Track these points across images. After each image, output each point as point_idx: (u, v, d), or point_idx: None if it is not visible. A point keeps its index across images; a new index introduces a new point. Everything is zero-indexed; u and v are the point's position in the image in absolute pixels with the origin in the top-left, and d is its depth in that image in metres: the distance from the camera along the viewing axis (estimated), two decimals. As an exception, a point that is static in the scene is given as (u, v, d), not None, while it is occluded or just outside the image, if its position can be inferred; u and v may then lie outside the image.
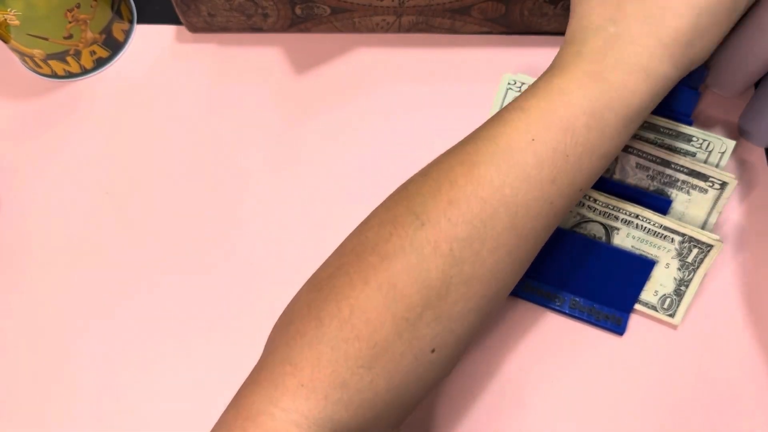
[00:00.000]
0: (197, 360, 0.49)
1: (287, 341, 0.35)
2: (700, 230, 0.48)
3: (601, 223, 0.48)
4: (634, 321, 0.49)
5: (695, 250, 0.48)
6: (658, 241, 0.48)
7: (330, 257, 0.38)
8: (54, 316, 0.50)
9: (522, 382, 0.48)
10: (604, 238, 0.48)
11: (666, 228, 0.48)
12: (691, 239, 0.47)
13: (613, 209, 0.48)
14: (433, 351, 0.35)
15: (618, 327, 0.49)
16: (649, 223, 0.48)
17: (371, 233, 0.36)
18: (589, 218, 0.48)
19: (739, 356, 0.48)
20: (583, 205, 0.48)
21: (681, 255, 0.48)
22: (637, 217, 0.48)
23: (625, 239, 0.48)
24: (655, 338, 0.49)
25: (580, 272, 0.49)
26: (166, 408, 0.48)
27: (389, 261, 0.35)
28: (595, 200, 0.48)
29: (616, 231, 0.48)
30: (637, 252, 0.48)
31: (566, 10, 0.53)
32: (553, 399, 0.47)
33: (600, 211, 0.48)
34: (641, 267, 0.48)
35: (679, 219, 0.49)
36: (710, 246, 0.47)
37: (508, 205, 0.35)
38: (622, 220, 0.48)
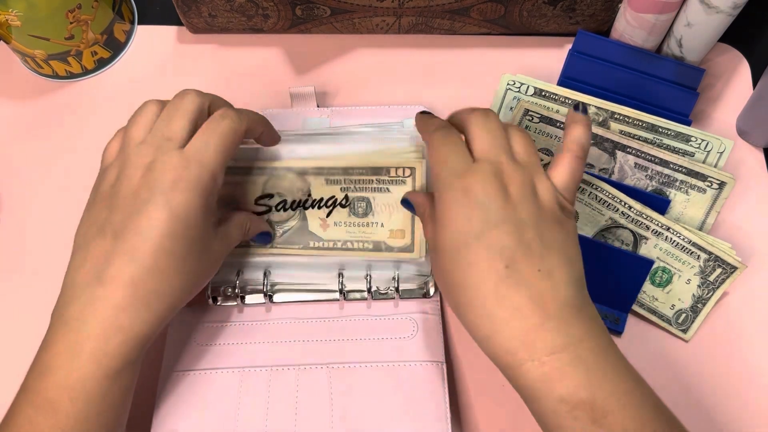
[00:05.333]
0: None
1: None
2: (728, 250, 0.47)
3: (632, 231, 0.48)
4: (633, 320, 0.49)
5: (719, 270, 0.48)
6: (684, 255, 0.48)
7: None
8: (55, 315, 0.50)
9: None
10: (631, 246, 0.48)
11: (695, 244, 0.47)
12: (717, 258, 0.47)
13: (646, 218, 0.48)
14: None
15: (617, 326, 0.49)
16: (679, 237, 0.48)
17: None
18: (620, 224, 0.48)
19: (737, 355, 0.49)
20: (617, 210, 0.48)
21: (704, 273, 0.48)
22: (668, 229, 0.48)
23: (652, 249, 0.48)
24: (653, 337, 0.49)
25: (579, 271, 0.49)
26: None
27: None
28: (630, 207, 0.48)
29: (644, 240, 0.48)
30: (662, 264, 0.48)
31: (565, 10, 0.54)
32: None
33: (633, 219, 0.48)
34: (640, 266, 0.48)
35: (677, 219, 0.50)
36: (734, 268, 0.47)
37: None
38: (653, 230, 0.48)
